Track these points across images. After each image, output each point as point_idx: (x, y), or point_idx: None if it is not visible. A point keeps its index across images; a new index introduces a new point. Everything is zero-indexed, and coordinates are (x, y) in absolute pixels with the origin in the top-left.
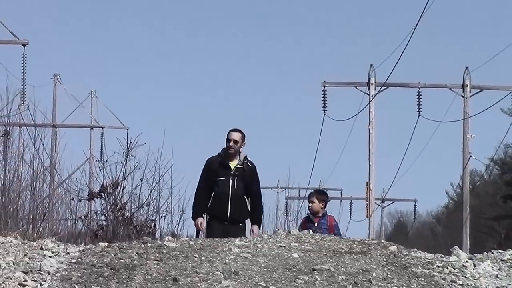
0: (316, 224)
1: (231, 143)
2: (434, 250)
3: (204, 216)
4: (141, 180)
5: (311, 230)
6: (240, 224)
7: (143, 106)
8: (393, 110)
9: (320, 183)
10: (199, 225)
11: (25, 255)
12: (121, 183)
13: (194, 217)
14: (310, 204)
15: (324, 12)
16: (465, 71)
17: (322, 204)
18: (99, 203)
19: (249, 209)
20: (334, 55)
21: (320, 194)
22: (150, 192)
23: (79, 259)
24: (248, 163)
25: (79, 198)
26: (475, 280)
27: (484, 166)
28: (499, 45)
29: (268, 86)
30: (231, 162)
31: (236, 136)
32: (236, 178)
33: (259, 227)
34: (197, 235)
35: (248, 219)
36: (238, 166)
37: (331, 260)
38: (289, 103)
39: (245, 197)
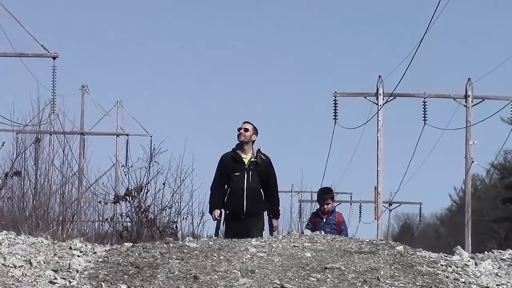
0: (324, 220)
1: (242, 130)
2: (438, 250)
3: (222, 211)
4: (164, 184)
5: (322, 231)
6: (258, 215)
7: (166, 115)
8: (400, 118)
9: (331, 187)
10: (216, 216)
11: (55, 254)
12: (145, 187)
13: (211, 210)
14: (326, 206)
15: (336, 27)
16: (468, 82)
17: (333, 202)
18: (124, 205)
19: (266, 202)
20: (345, 67)
21: (331, 192)
22: (172, 195)
23: (106, 258)
24: (262, 156)
25: (105, 201)
26: (476, 278)
27: (485, 171)
28: (500, 57)
29: (282, 96)
30: (244, 157)
31: (247, 125)
32: (250, 172)
33: (278, 219)
34: (217, 229)
35: (266, 212)
36: (252, 160)
37: (341, 259)
38: (302, 112)
39: (261, 190)
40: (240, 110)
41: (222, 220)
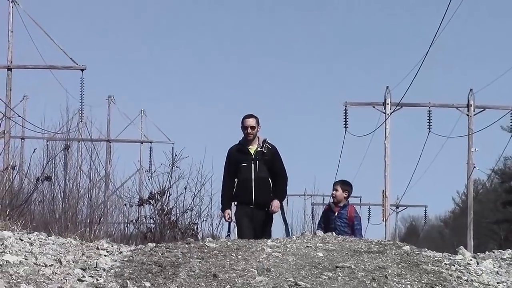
0: (336, 214)
1: (249, 129)
2: (442, 250)
3: (232, 205)
4: (185, 188)
5: (333, 228)
6: (266, 209)
7: (187, 123)
8: (406, 127)
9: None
10: (227, 217)
11: (83, 254)
12: (168, 191)
13: (223, 209)
14: (334, 192)
15: (346, 40)
16: (470, 93)
17: (346, 194)
18: (148, 208)
19: (274, 189)
20: (355, 78)
21: (344, 184)
22: (193, 199)
23: (131, 258)
24: (268, 145)
25: (130, 204)
26: (478, 276)
27: (486, 176)
28: (500, 69)
29: (296, 106)
30: (250, 147)
31: (251, 122)
32: (257, 161)
33: (280, 202)
34: (229, 228)
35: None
36: (258, 150)
37: (351, 259)
38: (315, 121)
39: (269, 179)
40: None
41: (231, 220)
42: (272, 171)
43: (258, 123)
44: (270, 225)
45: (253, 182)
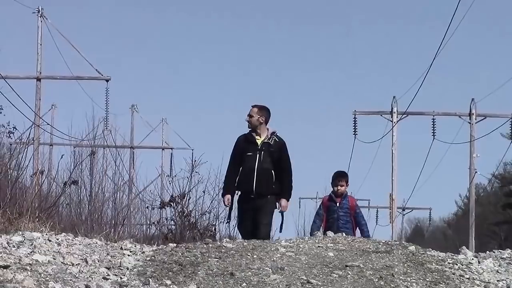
0: (338, 204)
1: (247, 118)
2: (445, 249)
3: (235, 193)
4: (204, 192)
5: (336, 221)
6: (268, 196)
7: (205, 130)
8: (412, 134)
9: (351, 194)
10: (226, 202)
11: (107, 253)
12: (187, 194)
13: (223, 194)
14: (340, 188)
15: (355, 51)
16: (472, 102)
17: (347, 187)
18: (169, 211)
19: (277, 182)
20: (364, 88)
21: (346, 176)
22: (211, 202)
23: (153, 257)
24: (276, 138)
25: (152, 206)
26: (479, 275)
27: (487, 180)
28: (500, 79)
29: (308, 113)
30: (258, 138)
31: (251, 111)
32: (262, 152)
33: (287, 200)
34: (229, 214)
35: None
36: (265, 141)
37: (360, 258)
38: (325, 129)
39: (272, 171)
40: (271, 125)
41: (231, 206)
42: (277, 164)
43: (261, 113)
44: (270, 216)
45: (256, 172)
